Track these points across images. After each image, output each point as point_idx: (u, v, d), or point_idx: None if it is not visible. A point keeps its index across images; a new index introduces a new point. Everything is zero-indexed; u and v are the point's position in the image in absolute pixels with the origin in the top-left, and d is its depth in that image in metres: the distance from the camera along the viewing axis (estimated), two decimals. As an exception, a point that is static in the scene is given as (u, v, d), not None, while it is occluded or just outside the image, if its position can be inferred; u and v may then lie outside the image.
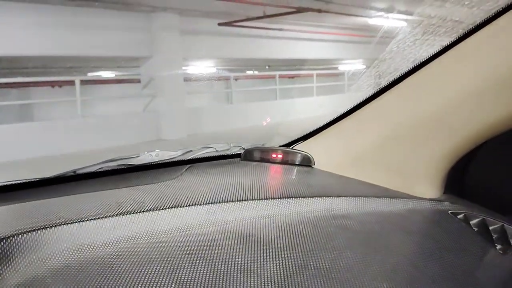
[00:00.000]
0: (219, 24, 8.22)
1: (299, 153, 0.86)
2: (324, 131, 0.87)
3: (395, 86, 0.76)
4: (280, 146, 0.92)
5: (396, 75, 0.77)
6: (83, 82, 8.49)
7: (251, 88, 12.36)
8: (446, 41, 0.71)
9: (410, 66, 0.75)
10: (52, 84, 9.33)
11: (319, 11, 6.93)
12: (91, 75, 10.41)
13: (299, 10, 6.83)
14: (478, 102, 0.67)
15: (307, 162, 0.85)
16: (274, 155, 0.89)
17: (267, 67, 13.61)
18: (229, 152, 0.95)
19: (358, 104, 0.82)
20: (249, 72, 13.80)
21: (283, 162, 0.87)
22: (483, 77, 0.66)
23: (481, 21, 0.67)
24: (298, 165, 0.85)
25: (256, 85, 12.72)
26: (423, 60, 0.73)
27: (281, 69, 12.76)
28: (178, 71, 8.38)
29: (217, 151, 0.96)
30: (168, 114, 8.26)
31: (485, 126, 0.69)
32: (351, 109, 0.82)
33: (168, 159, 0.89)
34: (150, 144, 7.72)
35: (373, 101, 0.79)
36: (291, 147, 0.91)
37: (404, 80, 0.75)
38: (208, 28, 8.55)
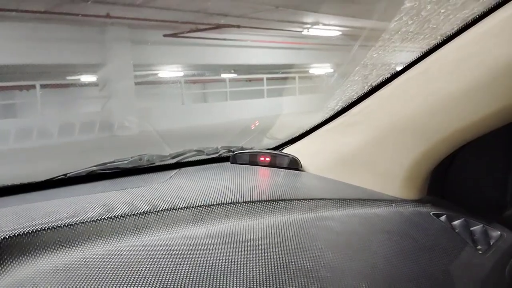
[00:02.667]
0: (164, 36, 9.48)
1: (287, 156, 0.87)
2: (312, 134, 0.90)
3: (377, 91, 0.78)
4: (268, 149, 0.94)
5: (378, 80, 0.79)
6: (47, 86, 9.71)
7: (203, 90, 13.61)
8: (425, 48, 0.73)
9: (391, 71, 0.78)
10: (19, 88, 10.48)
11: (238, 26, 8.26)
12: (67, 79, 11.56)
13: (218, 26, 8.17)
14: (457, 105, 0.69)
15: (294, 165, 0.86)
16: (262, 158, 0.90)
17: (232, 71, 14.86)
18: (218, 156, 0.96)
19: (344, 107, 0.84)
20: (223, 77, 15.02)
21: (271, 165, 0.88)
22: (462, 82, 0.68)
23: (457, 28, 0.69)
24: (286, 168, 0.87)
25: (213, 88, 13.97)
26: (404, 66, 0.76)
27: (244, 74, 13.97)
28: (128, 75, 9.64)
29: (206, 154, 0.96)
30: (120, 113, 9.52)
31: (465, 128, 0.70)
32: (337, 112, 0.85)
33: (157, 163, 0.89)
34: (104, 139, 8.95)
35: (357, 105, 0.82)
36: (279, 150, 0.93)
37: (386, 85, 0.77)
38: (156, 39, 9.81)
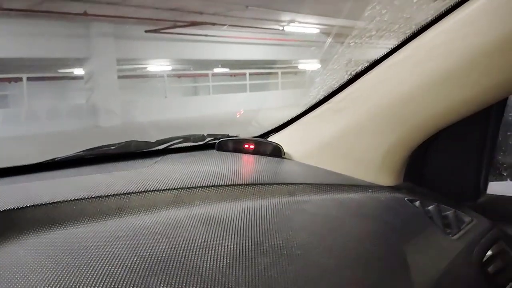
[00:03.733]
0: (146, 31, 9.99)
1: (270, 143, 0.90)
2: (295, 122, 0.93)
3: (359, 78, 0.81)
4: (253, 137, 0.96)
5: (360, 68, 0.81)
6: (33, 79, 10.22)
7: (187, 84, 14.13)
8: (401, 38, 0.75)
9: (369, 61, 0.80)
10: (9, 80, 10.97)
11: (213, 24, 8.79)
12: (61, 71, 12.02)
13: (193, 24, 8.71)
14: (430, 92, 0.71)
15: (277, 152, 0.88)
16: (246, 146, 0.92)
17: (219, 66, 15.33)
18: (204, 143, 0.98)
19: (327, 95, 0.87)
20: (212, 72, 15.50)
21: (255, 152, 0.91)
22: (435, 70, 0.70)
23: (431, 18, 0.71)
24: (269, 155, 0.89)
25: (201, 83, 14.49)
26: (381, 56, 0.78)
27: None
28: (112, 69, 10.16)
29: (193, 141, 0.97)
30: (104, 105, 10.05)
31: (438, 115, 0.73)
32: (321, 100, 0.88)
33: (144, 149, 0.91)
34: (87, 129, 9.46)
35: (340, 93, 0.84)
36: (264, 137, 0.96)
37: (367, 73, 0.80)
38: (139, 34, 10.31)
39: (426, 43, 0.72)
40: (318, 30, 10.87)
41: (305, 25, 10.66)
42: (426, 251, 0.65)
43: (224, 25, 9.27)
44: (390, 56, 0.77)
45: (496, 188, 0.91)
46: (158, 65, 12.83)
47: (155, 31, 10.00)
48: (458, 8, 0.69)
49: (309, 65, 14.94)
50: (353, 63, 0.92)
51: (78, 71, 10.95)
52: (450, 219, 0.74)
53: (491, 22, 0.65)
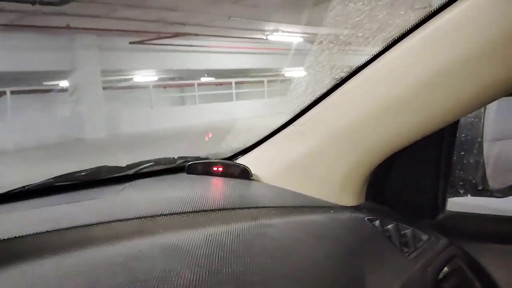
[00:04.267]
0: (131, 43, 10.02)
1: (238, 166, 0.90)
2: (263, 144, 0.93)
3: (317, 104, 0.84)
4: (222, 158, 0.97)
5: (323, 89, 0.83)
6: (17, 92, 10.16)
7: (173, 94, 14.17)
8: (355, 66, 0.78)
9: (326, 87, 0.82)
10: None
11: (196, 35, 8.86)
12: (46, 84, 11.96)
13: (177, 35, 8.78)
14: (383, 118, 0.74)
15: (245, 174, 0.89)
16: (215, 168, 0.92)
17: (205, 75, 15.41)
18: (175, 166, 0.98)
19: (293, 117, 0.89)
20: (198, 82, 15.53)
21: (223, 174, 0.91)
22: (386, 96, 0.73)
23: (383, 46, 0.74)
24: (237, 177, 0.89)
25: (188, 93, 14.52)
26: (340, 80, 0.80)
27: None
28: (96, 81, 10.15)
29: (164, 164, 0.99)
30: (89, 118, 10.02)
31: (393, 139, 0.76)
32: (285, 123, 0.90)
33: (115, 174, 0.92)
34: (73, 141, 9.42)
35: (304, 115, 0.86)
36: (233, 159, 0.96)
37: (325, 99, 0.82)
38: (123, 45, 10.34)
39: (377, 70, 0.74)
40: (301, 39, 11.02)
41: (288, 34, 10.79)
42: (382, 272, 0.67)
43: (208, 35, 9.35)
44: (347, 82, 0.79)
45: (455, 205, 0.93)
46: (144, 76, 12.86)
47: (140, 42, 10.04)
48: (406, 38, 0.71)
49: (294, 72, 15.07)
50: (316, 80, 0.97)
51: (63, 84, 10.92)
52: (408, 238, 0.76)
53: (437, 52, 0.67)
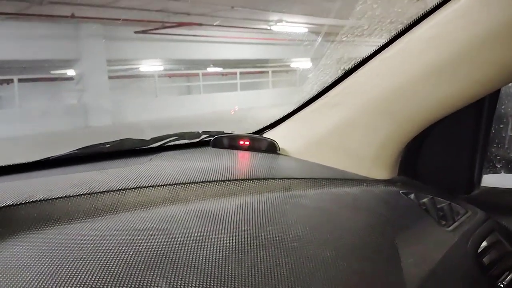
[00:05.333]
0: (135, 32, 10.15)
1: (265, 139, 0.90)
2: (290, 118, 0.93)
3: (354, 72, 0.82)
4: (249, 133, 0.96)
5: (350, 65, 0.82)
6: (25, 80, 10.37)
7: (180, 84, 14.31)
8: (393, 32, 0.76)
9: (361, 57, 0.81)
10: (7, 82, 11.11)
11: (200, 24, 8.97)
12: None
13: (181, 24, 8.90)
14: (423, 86, 0.72)
15: (272, 148, 0.89)
16: (241, 142, 0.92)
17: (211, 65, 15.53)
18: (199, 140, 0.99)
19: (319, 92, 0.87)
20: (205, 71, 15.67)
21: (250, 148, 0.91)
22: (426, 64, 0.71)
23: (423, 12, 0.72)
24: (264, 151, 0.89)
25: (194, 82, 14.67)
26: (374, 50, 0.79)
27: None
28: (102, 70, 10.33)
29: (188, 139, 0.98)
30: (94, 106, 10.22)
31: (431, 108, 0.74)
32: (313, 97, 0.88)
33: (138, 147, 0.92)
34: (80, 129, 9.63)
35: (332, 89, 0.85)
36: (260, 134, 0.96)
37: (358, 70, 0.81)
38: (128, 35, 10.48)
39: (417, 37, 0.73)
40: (306, 29, 11.06)
41: (292, 24, 10.84)
42: (421, 242, 0.65)
43: (211, 25, 9.46)
44: (383, 51, 0.77)
45: (490, 180, 0.91)
46: (149, 65, 13.00)
47: (144, 32, 10.16)
48: (450, 2, 0.70)
49: (299, 63, 15.13)
50: (345, 59, 0.93)
51: (70, 72, 11.10)
52: (445, 211, 0.75)
53: (481, 16, 0.66)
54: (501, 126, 0.94)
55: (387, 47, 0.78)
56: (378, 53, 0.79)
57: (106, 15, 8.47)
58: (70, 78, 11.07)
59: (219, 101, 12.74)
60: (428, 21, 0.72)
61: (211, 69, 14.59)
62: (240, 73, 14.64)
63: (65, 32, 9.64)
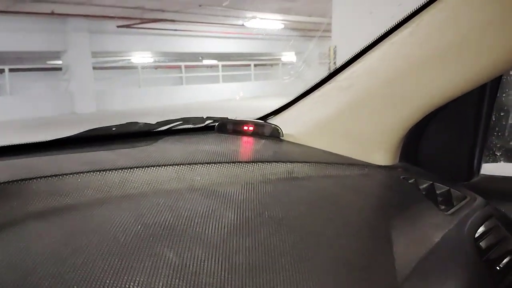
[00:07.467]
0: (118, 26, 10.96)
1: (269, 125, 0.92)
2: (294, 105, 0.94)
3: (359, 59, 0.82)
4: (253, 119, 0.98)
5: (353, 52, 0.83)
6: (15, 70, 11.22)
7: (161, 75, 15.09)
8: (399, 18, 0.76)
9: (365, 44, 0.81)
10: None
11: (173, 21, 9.77)
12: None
13: (154, 20, 9.73)
14: (425, 72, 0.73)
15: (275, 133, 0.91)
16: (245, 127, 0.94)
17: (200, 58, 16.23)
18: (204, 125, 1.00)
19: (323, 79, 0.88)
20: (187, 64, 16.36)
21: (254, 133, 0.93)
22: (430, 49, 0.71)
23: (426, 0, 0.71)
24: (268, 136, 0.91)
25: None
26: (377, 38, 0.79)
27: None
28: (87, 61, 11.17)
29: (193, 124, 1.00)
30: (80, 94, 11.07)
31: (436, 93, 0.74)
32: (316, 84, 0.89)
33: (145, 129, 0.93)
34: (65, 115, 10.48)
35: (335, 76, 0.86)
36: (264, 119, 0.98)
37: (367, 53, 0.81)
38: (112, 29, 11.27)
39: (425, 21, 0.73)
40: (282, 25, 11.82)
41: (265, 21, 11.59)
42: (420, 225, 0.66)
43: (183, 21, 10.28)
44: (391, 34, 0.78)
45: (490, 169, 0.92)
46: (134, 57, 13.80)
47: (126, 26, 10.96)
48: None
49: (282, 58, 15.84)
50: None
51: (58, 63, 11.94)
52: (444, 196, 0.77)
53: (485, 1, 0.67)
54: (502, 114, 0.93)
55: (395, 31, 0.78)
56: (386, 36, 0.80)
57: (86, 11, 9.28)
58: (58, 69, 11.90)
59: (200, 93, 13.55)
60: (437, 4, 0.73)
61: (194, 63, 15.32)
62: (223, 65, 15.37)
63: (52, 26, 10.44)
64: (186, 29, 11.89)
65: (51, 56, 11.81)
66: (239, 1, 8.99)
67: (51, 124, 8.73)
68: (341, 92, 0.86)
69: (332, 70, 0.88)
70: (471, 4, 0.69)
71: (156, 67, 14.99)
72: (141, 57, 14.07)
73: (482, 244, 0.70)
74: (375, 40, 0.81)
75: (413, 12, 0.75)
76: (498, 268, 0.69)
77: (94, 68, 11.64)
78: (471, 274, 0.60)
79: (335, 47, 4.49)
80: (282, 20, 11.46)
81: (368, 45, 0.82)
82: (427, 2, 0.73)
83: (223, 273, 0.44)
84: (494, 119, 0.91)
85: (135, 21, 10.16)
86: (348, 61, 0.85)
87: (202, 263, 0.45)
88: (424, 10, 0.74)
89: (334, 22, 4.51)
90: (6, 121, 9.07)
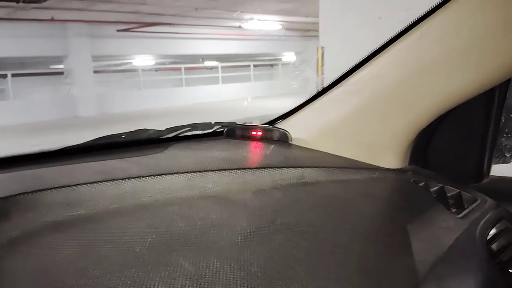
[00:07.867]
0: (118, 31, 11.16)
1: (277, 130, 0.92)
2: (302, 109, 0.94)
3: (368, 62, 0.82)
4: (261, 124, 0.98)
5: (361, 56, 0.82)
6: (18, 75, 11.46)
7: (162, 77, 15.28)
8: (408, 21, 0.76)
9: (372, 48, 0.81)
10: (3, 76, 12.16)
11: (171, 24, 9.94)
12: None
13: (153, 24, 9.91)
14: (434, 76, 0.73)
15: (284, 138, 0.91)
16: (254, 132, 0.95)
17: (201, 60, 16.38)
18: (212, 131, 1.01)
19: (331, 83, 0.88)
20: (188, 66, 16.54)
21: (263, 138, 0.94)
22: (439, 52, 0.71)
23: (438, 2, 0.71)
24: (277, 141, 0.92)
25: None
26: (385, 42, 0.79)
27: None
28: (88, 65, 11.38)
29: (201, 130, 1.00)
30: (82, 98, 11.28)
31: (443, 98, 0.74)
32: (324, 88, 0.89)
33: (154, 137, 0.94)
34: (68, 119, 10.68)
35: (343, 81, 0.86)
36: (272, 124, 0.99)
37: (376, 57, 0.81)
38: (112, 33, 11.46)
39: (434, 25, 0.73)
40: (280, 26, 11.95)
41: (263, 22, 11.73)
42: (432, 229, 0.66)
43: (181, 24, 10.46)
44: (399, 39, 0.78)
45: (500, 170, 0.92)
46: (135, 61, 14.00)
47: (126, 30, 11.15)
48: None
49: (282, 58, 15.98)
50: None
51: (60, 68, 12.16)
52: (455, 199, 0.76)
53: (495, 3, 0.67)
54: (511, 116, 0.93)
55: (403, 35, 0.78)
56: (395, 41, 0.79)
57: (85, 17, 9.48)
58: (60, 73, 12.12)
59: (200, 94, 13.73)
60: (445, 9, 0.72)
61: (194, 64, 15.49)
62: (223, 67, 15.52)
63: (54, 32, 10.65)
64: (185, 32, 12.06)
65: (53, 61, 12.02)
66: (235, 3, 9.15)
67: (55, 128, 8.94)
68: (349, 96, 0.86)
69: (334, 79, 0.88)
70: (480, 9, 0.69)
71: (157, 70, 15.18)
72: (141, 60, 14.28)
73: (494, 246, 0.70)
74: (383, 45, 0.81)
75: (421, 17, 0.75)
76: (511, 270, 0.69)
77: (95, 71, 11.85)
78: (485, 278, 0.60)
79: (323, 48, 4.61)
80: (279, 21, 11.59)
81: (376, 50, 0.82)
82: (435, 7, 0.74)
83: (239, 282, 0.44)
84: (503, 121, 0.92)
85: (134, 25, 10.35)
86: (356, 66, 0.85)
87: (218, 273, 0.45)
88: (433, 15, 0.74)
89: (321, 22, 4.59)
90: (10, 126, 9.29)
